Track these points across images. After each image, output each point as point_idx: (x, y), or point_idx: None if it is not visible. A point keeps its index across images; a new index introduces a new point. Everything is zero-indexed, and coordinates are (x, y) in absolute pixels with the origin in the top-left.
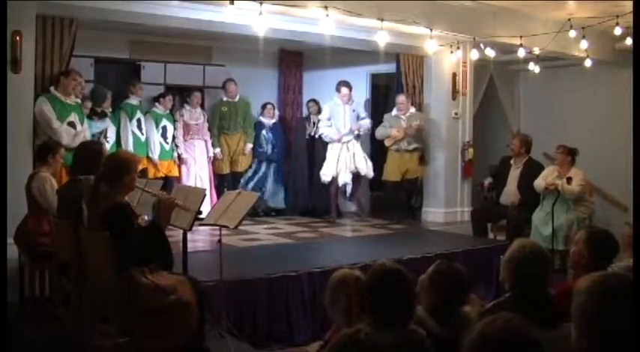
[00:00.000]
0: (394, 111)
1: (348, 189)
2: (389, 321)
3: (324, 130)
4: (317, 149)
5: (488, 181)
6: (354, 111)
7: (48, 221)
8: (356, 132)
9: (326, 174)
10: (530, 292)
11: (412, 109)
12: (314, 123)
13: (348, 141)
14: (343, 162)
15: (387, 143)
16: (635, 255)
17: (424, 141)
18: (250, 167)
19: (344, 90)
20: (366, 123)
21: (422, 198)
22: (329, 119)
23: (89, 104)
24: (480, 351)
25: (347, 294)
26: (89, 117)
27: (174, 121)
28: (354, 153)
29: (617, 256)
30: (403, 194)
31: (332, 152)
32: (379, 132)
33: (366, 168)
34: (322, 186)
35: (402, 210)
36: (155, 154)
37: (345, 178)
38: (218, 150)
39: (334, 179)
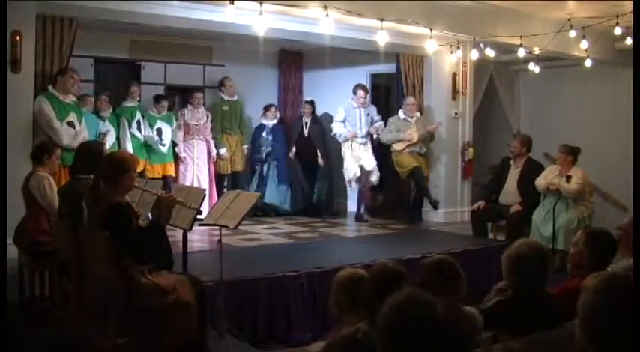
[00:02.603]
0: (401, 114)
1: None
2: None
3: (338, 130)
4: (310, 149)
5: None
6: (368, 114)
7: (47, 219)
8: (375, 136)
9: (349, 170)
10: (530, 291)
11: (417, 113)
12: (306, 124)
13: (365, 144)
14: (365, 162)
15: (398, 147)
16: (635, 255)
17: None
18: (246, 168)
19: (360, 92)
20: (381, 125)
21: (422, 198)
22: (343, 121)
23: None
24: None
25: (352, 294)
26: (98, 116)
27: (174, 121)
28: (368, 156)
29: (614, 256)
30: (409, 193)
31: (351, 151)
32: (387, 137)
33: (375, 173)
34: (345, 184)
35: (405, 210)
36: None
37: (373, 177)
38: (224, 150)
39: (360, 177)
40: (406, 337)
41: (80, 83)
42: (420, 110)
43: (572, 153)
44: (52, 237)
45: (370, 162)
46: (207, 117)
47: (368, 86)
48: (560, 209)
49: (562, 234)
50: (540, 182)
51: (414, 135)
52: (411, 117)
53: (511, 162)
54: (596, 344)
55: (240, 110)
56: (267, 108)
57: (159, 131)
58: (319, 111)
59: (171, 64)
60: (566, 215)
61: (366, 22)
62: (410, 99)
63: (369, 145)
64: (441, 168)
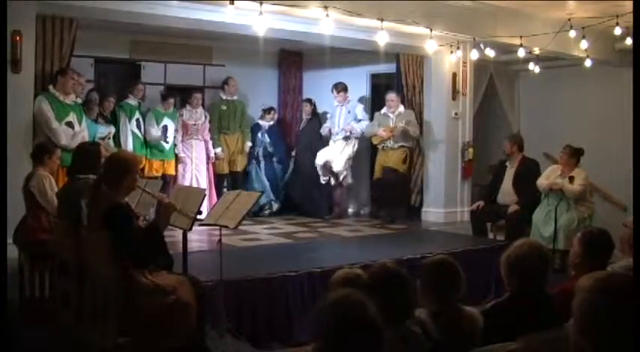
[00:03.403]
0: (384, 110)
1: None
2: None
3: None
4: (300, 148)
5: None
6: (349, 112)
7: (47, 218)
8: (347, 134)
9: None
10: (529, 290)
11: (401, 108)
12: (305, 121)
13: (337, 141)
14: (334, 162)
15: (374, 141)
16: (635, 255)
17: (412, 140)
18: (246, 168)
19: (334, 92)
20: (362, 126)
21: (422, 198)
22: (330, 118)
23: (96, 108)
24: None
25: None
26: (95, 121)
27: (177, 117)
28: (339, 153)
29: (611, 255)
30: (391, 189)
31: (326, 148)
32: (367, 130)
33: (343, 170)
34: (322, 186)
35: (396, 206)
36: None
37: (341, 177)
38: (219, 149)
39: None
40: (339, 336)
41: (84, 83)
42: (421, 109)
43: (576, 155)
44: (52, 235)
45: (338, 163)
46: (206, 117)
47: (368, 86)
48: (562, 209)
49: (563, 234)
50: (542, 182)
51: (387, 132)
52: (392, 113)
53: (507, 163)
54: (593, 344)
55: (241, 109)
56: (267, 111)
57: (164, 128)
58: (319, 112)
59: (171, 64)
60: (567, 215)
61: (366, 22)
62: (390, 95)
63: (343, 144)
64: (440, 168)
